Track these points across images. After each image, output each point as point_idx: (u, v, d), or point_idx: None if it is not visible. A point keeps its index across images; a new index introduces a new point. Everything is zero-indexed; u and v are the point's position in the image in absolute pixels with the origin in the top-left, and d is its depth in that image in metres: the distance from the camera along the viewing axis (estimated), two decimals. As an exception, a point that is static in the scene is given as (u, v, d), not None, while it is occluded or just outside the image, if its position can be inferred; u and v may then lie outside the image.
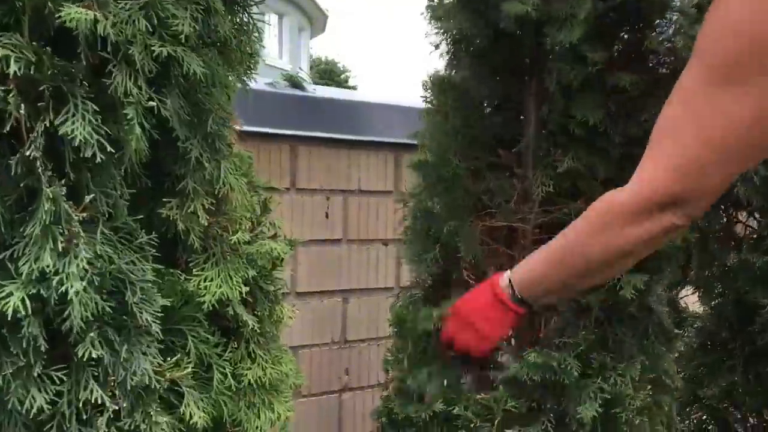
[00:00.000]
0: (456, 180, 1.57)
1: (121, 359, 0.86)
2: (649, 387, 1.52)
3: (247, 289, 1.07)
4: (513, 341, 1.55)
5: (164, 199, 0.97)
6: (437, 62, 2.26)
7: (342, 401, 2.28)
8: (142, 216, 0.93)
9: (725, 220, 2.11)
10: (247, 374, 1.08)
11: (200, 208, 0.99)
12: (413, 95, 1.82)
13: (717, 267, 2.15)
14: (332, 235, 2.26)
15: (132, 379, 0.87)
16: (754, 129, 0.93)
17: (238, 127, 1.13)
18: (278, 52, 19.62)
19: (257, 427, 1.07)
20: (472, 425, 1.42)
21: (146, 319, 0.88)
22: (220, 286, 1.01)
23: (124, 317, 0.88)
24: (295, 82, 2.19)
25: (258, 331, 1.12)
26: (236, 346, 1.08)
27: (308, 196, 2.21)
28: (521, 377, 1.41)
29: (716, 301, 2.19)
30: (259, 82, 2.07)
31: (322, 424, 2.23)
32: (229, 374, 1.03)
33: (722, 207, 2.12)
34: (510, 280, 1.22)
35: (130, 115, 0.84)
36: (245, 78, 1.12)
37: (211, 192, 1.01)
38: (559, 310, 1.52)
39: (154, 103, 0.87)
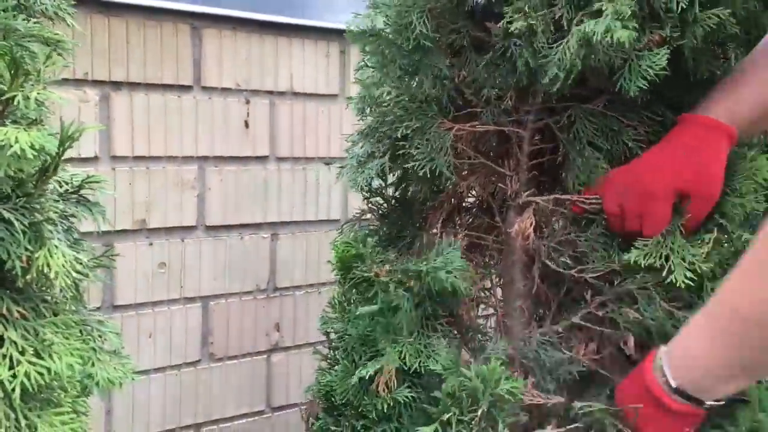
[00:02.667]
0: (421, 57, 1.03)
1: None
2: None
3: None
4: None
5: None
6: None
7: (271, 364, 1.79)
8: None
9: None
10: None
11: None
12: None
13: None
14: (255, 152, 1.71)
15: None
16: None
17: None
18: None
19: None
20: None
21: None
22: None
23: None
24: (198, -59, 1.61)
25: (3, 299, 0.59)
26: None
27: (219, 98, 1.65)
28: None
29: None
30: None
31: (245, 392, 1.74)
32: None
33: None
34: (663, 353, 0.88)
35: None
36: None
37: None
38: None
39: None
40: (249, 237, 1.72)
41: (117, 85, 1.51)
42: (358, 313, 1.00)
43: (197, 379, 1.67)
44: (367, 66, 1.10)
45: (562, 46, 0.88)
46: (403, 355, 0.94)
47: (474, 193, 1.13)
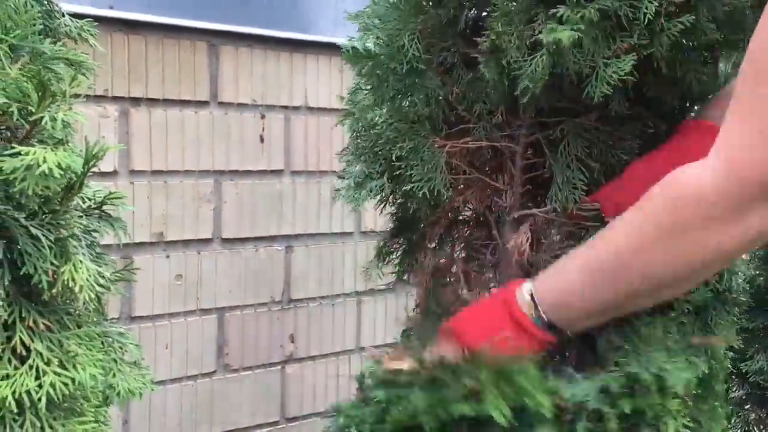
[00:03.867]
0: (415, 79, 1.05)
1: None
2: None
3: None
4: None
5: None
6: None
7: (286, 375, 1.81)
8: None
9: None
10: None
11: None
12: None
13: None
14: (270, 165, 1.74)
15: None
16: None
17: None
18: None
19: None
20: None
21: None
22: None
23: None
24: (215, -40, 1.64)
25: (30, 312, 0.62)
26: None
27: (235, 113, 1.68)
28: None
29: (766, 248, 1.70)
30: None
31: (259, 404, 1.76)
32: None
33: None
34: (532, 296, 0.92)
35: None
36: None
37: None
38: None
39: None
40: (264, 249, 1.75)
41: (136, 101, 1.55)
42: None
43: (212, 389, 1.69)
44: (361, 89, 1.13)
45: (535, 59, 0.90)
46: None
47: (470, 207, 1.15)
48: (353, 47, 1.07)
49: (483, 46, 0.98)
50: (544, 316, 0.90)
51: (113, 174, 1.53)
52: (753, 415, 1.69)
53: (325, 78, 1.82)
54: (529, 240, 1.02)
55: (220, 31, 1.64)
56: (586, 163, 1.03)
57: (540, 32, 0.90)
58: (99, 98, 1.50)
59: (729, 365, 1.14)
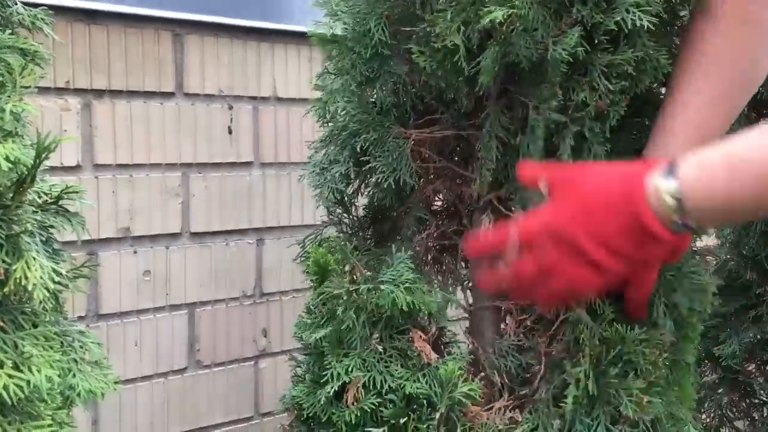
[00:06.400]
0: (381, 64, 1.03)
1: None
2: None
3: None
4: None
5: None
6: None
7: (259, 370, 1.79)
8: None
9: (754, 116, 1.60)
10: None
11: None
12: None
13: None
14: (239, 158, 1.71)
15: None
16: None
17: None
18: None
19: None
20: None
21: None
22: None
23: None
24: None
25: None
26: None
27: (202, 104, 1.65)
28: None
29: (737, 233, 1.71)
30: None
31: (233, 399, 1.74)
32: None
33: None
34: (677, 195, 0.76)
35: None
36: None
37: None
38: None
39: None
40: (234, 243, 1.72)
41: (99, 93, 1.51)
42: (315, 335, 1.00)
43: (184, 386, 1.66)
44: (328, 72, 1.11)
45: (485, 51, 0.89)
46: (350, 369, 0.94)
47: (440, 197, 1.13)
48: (319, 32, 1.05)
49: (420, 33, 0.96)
50: (690, 222, 0.78)
51: (76, 168, 1.49)
52: (726, 398, 1.71)
53: (294, 68, 1.79)
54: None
55: (184, 20, 1.60)
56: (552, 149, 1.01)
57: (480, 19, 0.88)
58: (60, 91, 1.46)
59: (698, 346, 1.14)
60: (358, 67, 1.03)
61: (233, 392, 1.74)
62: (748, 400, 1.71)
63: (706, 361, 1.73)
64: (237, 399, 1.75)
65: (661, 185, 0.77)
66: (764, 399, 1.69)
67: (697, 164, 0.78)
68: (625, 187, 0.79)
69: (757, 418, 1.70)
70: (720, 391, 1.73)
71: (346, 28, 1.06)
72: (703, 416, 1.72)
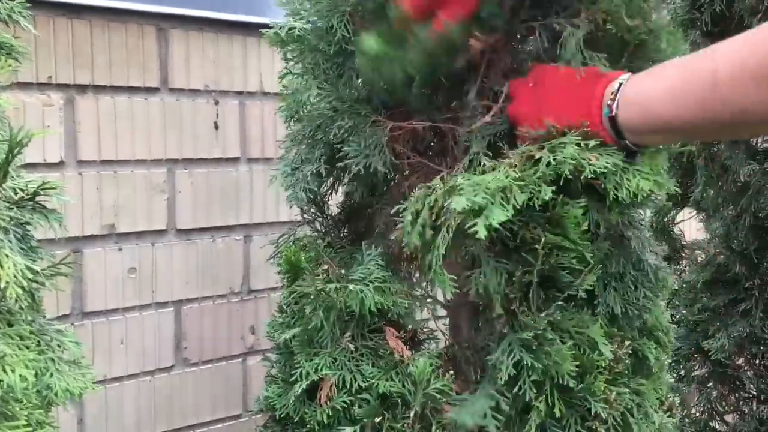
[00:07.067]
0: (345, 60, 1.02)
1: None
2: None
3: None
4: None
5: None
6: None
7: (247, 368, 1.77)
8: None
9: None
10: None
11: None
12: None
13: (728, 182, 1.66)
14: (225, 153, 1.69)
15: None
16: None
17: None
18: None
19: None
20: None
21: None
22: None
23: None
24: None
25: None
26: None
27: (188, 99, 1.63)
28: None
29: (726, 227, 1.70)
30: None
31: (220, 397, 1.72)
32: None
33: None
34: (617, 93, 0.88)
35: None
36: None
37: None
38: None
39: None
40: (221, 240, 1.71)
41: (82, 88, 1.49)
42: (285, 335, 0.99)
43: (171, 384, 1.65)
44: (290, 73, 1.09)
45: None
46: (320, 367, 0.93)
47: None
48: (276, 32, 1.04)
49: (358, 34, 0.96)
50: (615, 112, 0.87)
51: (60, 164, 1.47)
52: (715, 392, 1.70)
53: (281, 62, 1.76)
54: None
55: (169, 14, 1.58)
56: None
57: None
58: (42, 86, 1.43)
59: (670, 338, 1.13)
60: (322, 65, 1.02)
61: (221, 390, 1.72)
62: (737, 394, 1.71)
63: (696, 356, 1.73)
64: (225, 397, 1.73)
65: (615, 78, 0.89)
66: (754, 392, 1.69)
67: (646, 74, 0.87)
68: (592, 77, 0.91)
69: (746, 411, 1.70)
70: (709, 385, 1.72)
71: (308, 27, 1.05)
72: (693, 410, 1.72)
